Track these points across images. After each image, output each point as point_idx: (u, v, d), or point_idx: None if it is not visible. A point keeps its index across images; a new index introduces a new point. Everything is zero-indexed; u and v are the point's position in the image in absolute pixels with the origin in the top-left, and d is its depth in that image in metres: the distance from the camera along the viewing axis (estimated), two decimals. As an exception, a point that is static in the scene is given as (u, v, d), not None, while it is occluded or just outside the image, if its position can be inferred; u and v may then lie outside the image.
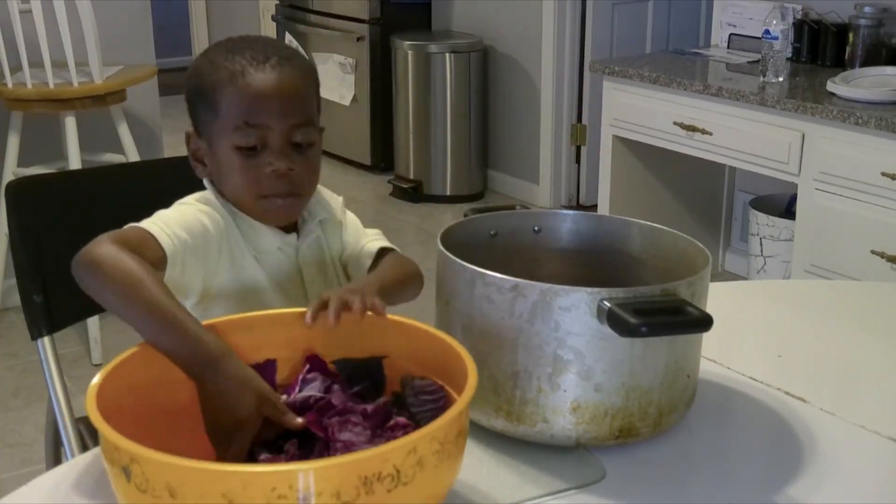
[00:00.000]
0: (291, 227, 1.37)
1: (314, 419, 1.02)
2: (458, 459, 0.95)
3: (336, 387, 1.06)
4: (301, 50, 1.52)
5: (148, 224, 1.23)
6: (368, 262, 1.38)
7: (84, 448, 1.56)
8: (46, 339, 1.59)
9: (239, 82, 1.26)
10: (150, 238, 1.20)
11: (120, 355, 1.03)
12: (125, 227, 1.22)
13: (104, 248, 1.13)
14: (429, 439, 0.87)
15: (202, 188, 1.36)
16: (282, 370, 1.10)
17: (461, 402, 0.93)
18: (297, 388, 1.06)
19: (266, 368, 1.09)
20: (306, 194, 1.33)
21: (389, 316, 1.10)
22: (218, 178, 1.33)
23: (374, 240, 1.42)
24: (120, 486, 0.89)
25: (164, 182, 1.75)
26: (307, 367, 1.09)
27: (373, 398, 1.07)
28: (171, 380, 1.05)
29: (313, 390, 1.05)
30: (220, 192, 1.33)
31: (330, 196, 1.42)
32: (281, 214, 1.32)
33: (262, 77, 1.26)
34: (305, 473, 0.83)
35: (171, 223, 1.23)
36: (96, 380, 0.97)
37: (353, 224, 1.43)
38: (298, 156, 1.28)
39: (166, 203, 1.77)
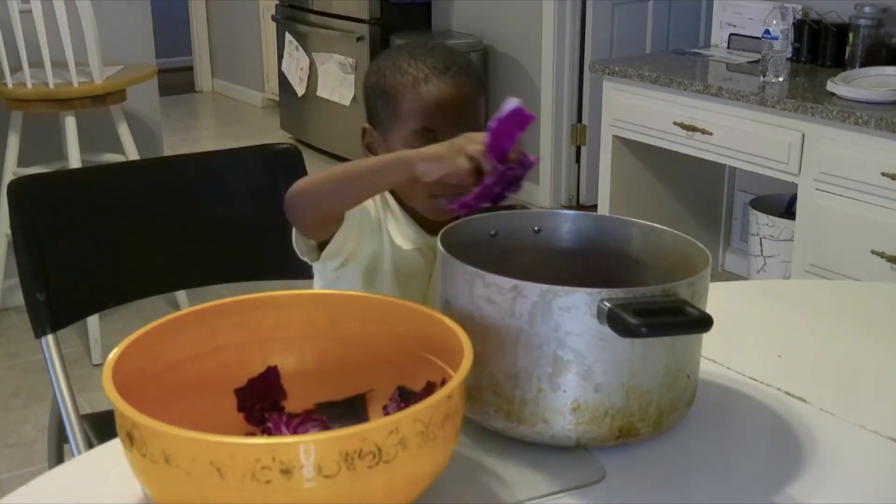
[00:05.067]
0: (437, 228, 1.39)
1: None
2: (447, 444, 0.96)
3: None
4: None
5: None
6: None
7: (89, 445, 1.55)
8: (50, 337, 1.59)
9: (422, 89, 1.36)
10: None
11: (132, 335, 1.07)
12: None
13: (302, 182, 1.28)
14: (412, 420, 0.89)
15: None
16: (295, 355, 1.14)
17: (450, 385, 0.94)
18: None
19: (268, 376, 1.11)
20: None
21: (387, 298, 1.15)
22: None
23: None
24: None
25: (163, 181, 1.75)
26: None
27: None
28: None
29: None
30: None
31: None
32: (447, 213, 1.34)
33: (443, 86, 1.36)
34: (290, 447, 0.86)
35: None
36: (114, 355, 1.02)
37: None
38: None
39: (166, 202, 1.77)
